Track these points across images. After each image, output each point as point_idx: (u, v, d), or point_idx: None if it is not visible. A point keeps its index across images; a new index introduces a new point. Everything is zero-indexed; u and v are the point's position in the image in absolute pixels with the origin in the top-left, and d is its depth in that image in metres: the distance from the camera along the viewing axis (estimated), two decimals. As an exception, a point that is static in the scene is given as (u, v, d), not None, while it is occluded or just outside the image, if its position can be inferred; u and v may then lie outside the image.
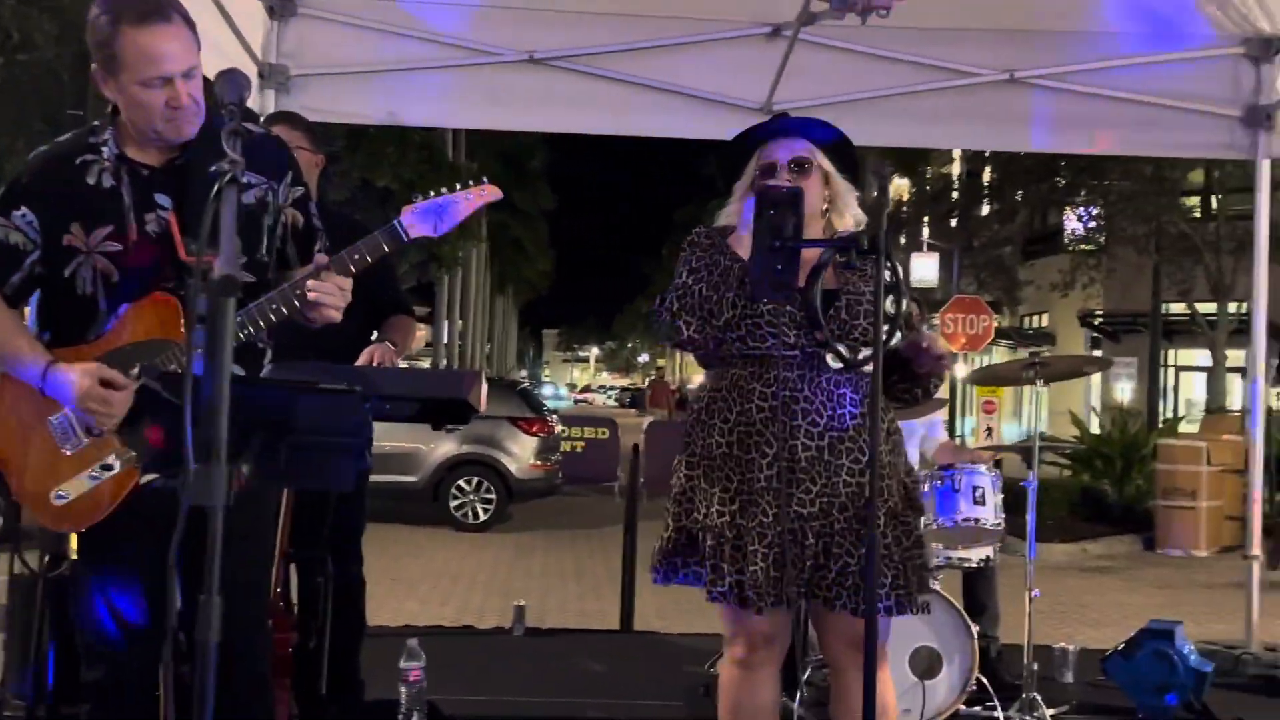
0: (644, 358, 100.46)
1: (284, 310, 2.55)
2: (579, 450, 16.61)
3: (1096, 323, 26.89)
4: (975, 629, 4.45)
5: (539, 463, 13.99)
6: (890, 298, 2.50)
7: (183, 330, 2.62)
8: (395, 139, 19.98)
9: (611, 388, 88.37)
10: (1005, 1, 5.51)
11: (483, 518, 13.58)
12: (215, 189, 1.76)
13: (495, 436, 13.65)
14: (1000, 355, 26.84)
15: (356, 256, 2.57)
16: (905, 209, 25.92)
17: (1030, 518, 4.68)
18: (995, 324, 17.76)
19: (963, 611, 4.49)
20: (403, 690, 3.87)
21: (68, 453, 2.61)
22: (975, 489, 4.50)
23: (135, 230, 2.67)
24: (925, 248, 25.67)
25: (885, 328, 2.46)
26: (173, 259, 2.66)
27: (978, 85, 5.78)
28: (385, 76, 5.71)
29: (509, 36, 5.67)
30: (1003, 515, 4.55)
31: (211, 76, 2.48)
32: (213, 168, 1.87)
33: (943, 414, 5.15)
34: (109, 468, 2.60)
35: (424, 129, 19.60)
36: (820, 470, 3.10)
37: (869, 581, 2.58)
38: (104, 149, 2.70)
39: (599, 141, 5.34)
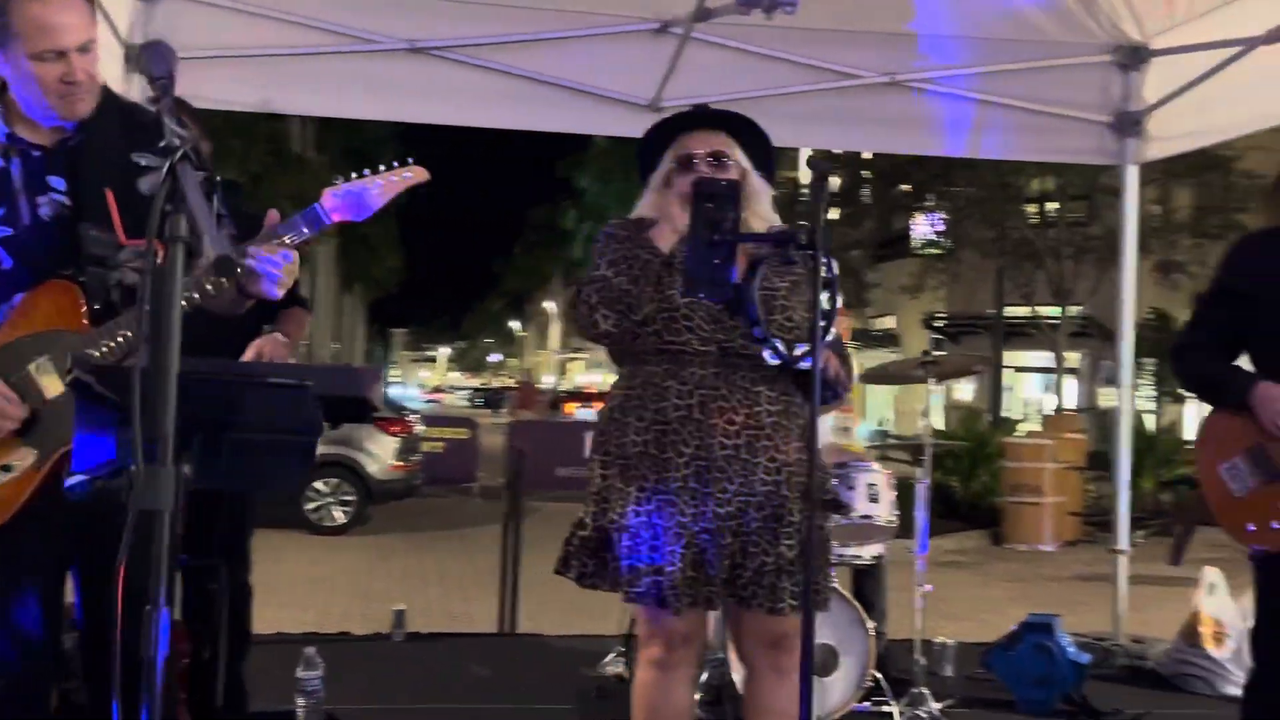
0: (495, 357, 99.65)
1: (197, 296, 2.39)
2: (439, 451, 16.34)
3: (940, 325, 27.69)
4: (871, 625, 4.48)
5: (399, 463, 13.69)
6: (826, 294, 2.47)
7: (84, 320, 2.44)
8: (241, 130, 19.35)
9: (463, 388, 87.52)
10: (887, 4, 5.58)
11: (341, 520, 13.23)
12: (167, 166, 1.61)
13: (354, 437, 13.27)
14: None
15: (276, 242, 2.42)
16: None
17: (922, 515, 4.74)
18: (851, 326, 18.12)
19: (861, 608, 4.51)
20: (300, 701, 3.70)
21: None
22: (870, 486, 4.53)
23: (28, 214, 2.48)
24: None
25: (823, 323, 2.42)
26: (71, 243, 2.47)
27: (860, 87, 5.84)
28: (259, 62, 5.48)
29: (390, 24, 5.50)
30: (897, 513, 4.60)
31: None
32: (161, 144, 1.72)
33: (834, 414, 5.17)
34: (8, 469, 2.40)
35: (270, 121, 19.02)
36: (738, 469, 3.07)
37: (808, 575, 2.55)
38: None
39: (452, 137, 5.20)
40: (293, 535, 12.25)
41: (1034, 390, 28.16)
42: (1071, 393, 22.41)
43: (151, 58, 1.94)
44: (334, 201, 2.49)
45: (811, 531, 2.56)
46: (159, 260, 1.54)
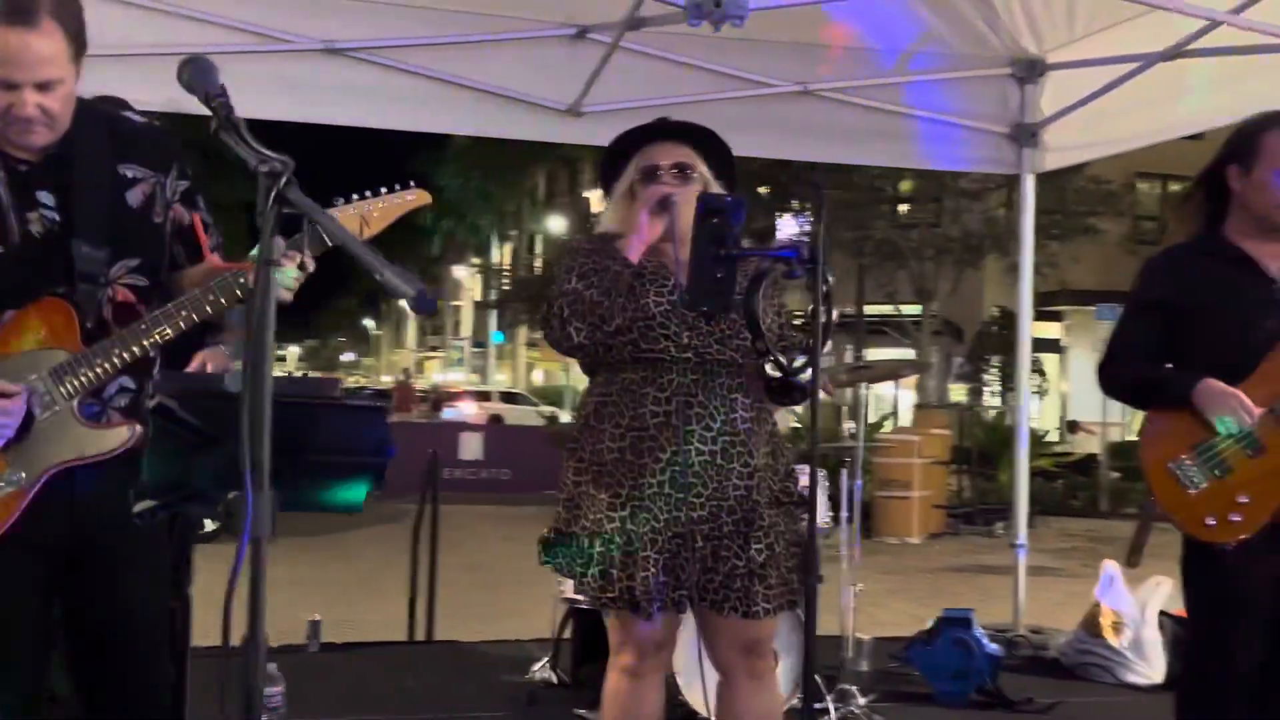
0: (348, 356, 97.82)
1: (209, 310, 2.33)
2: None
3: (798, 324, 28.19)
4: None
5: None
6: (824, 308, 2.54)
7: (78, 339, 2.35)
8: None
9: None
10: (800, 16, 5.69)
11: (210, 528, 12.85)
12: (271, 193, 1.56)
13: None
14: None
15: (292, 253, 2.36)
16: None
17: (855, 514, 4.87)
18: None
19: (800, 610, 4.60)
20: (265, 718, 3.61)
21: None
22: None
23: (17, 230, 2.38)
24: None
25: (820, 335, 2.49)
26: (61, 260, 2.38)
27: (773, 96, 5.95)
28: (168, 61, 5.30)
29: (306, 24, 5.40)
30: (831, 514, 4.70)
31: None
32: (259, 167, 1.67)
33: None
34: None
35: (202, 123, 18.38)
36: (712, 474, 3.12)
37: (809, 571, 2.63)
38: None
39: (301, 134, 5.13)
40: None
41: (888, 388, 28.95)
42: (928, 391, 23.10)
43: (197, 74, 1.88)
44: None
45: (811, 533, 2.63)
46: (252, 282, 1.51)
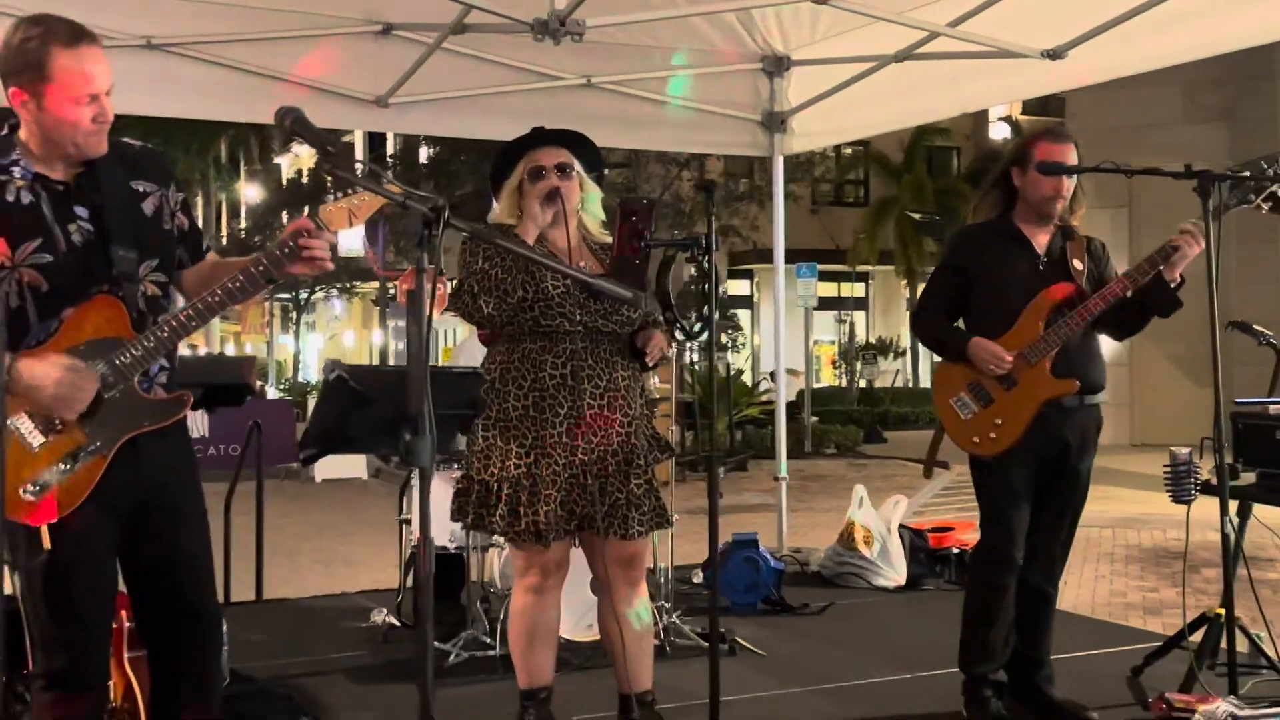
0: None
1: (242, 296, 2.83)
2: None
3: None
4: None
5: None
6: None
7: (130, 328, 2.81)
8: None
9: None
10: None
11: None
12: (434, 225, 2.12)
13: None
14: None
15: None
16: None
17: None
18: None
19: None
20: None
21: (35, 447, 2.70)
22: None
23: (63, 240, 2.80)
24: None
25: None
26: (101, 264, 2.82)
27: (560, 88, 6.59)
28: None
29: (126, 23, 5.62)
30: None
31: None
32: (419, 206, 2.23)
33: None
34: (75, 458, 2.72)
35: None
36: (600, 424, 3.82)
37: (712, 502, 3.35)
38: (15, 169, 2.83)
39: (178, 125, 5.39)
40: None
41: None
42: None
43: (299, 125, 2.41)
44: (329, 215, 2.96)
45: (712, 472, 3.35)
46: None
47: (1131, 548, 10.06)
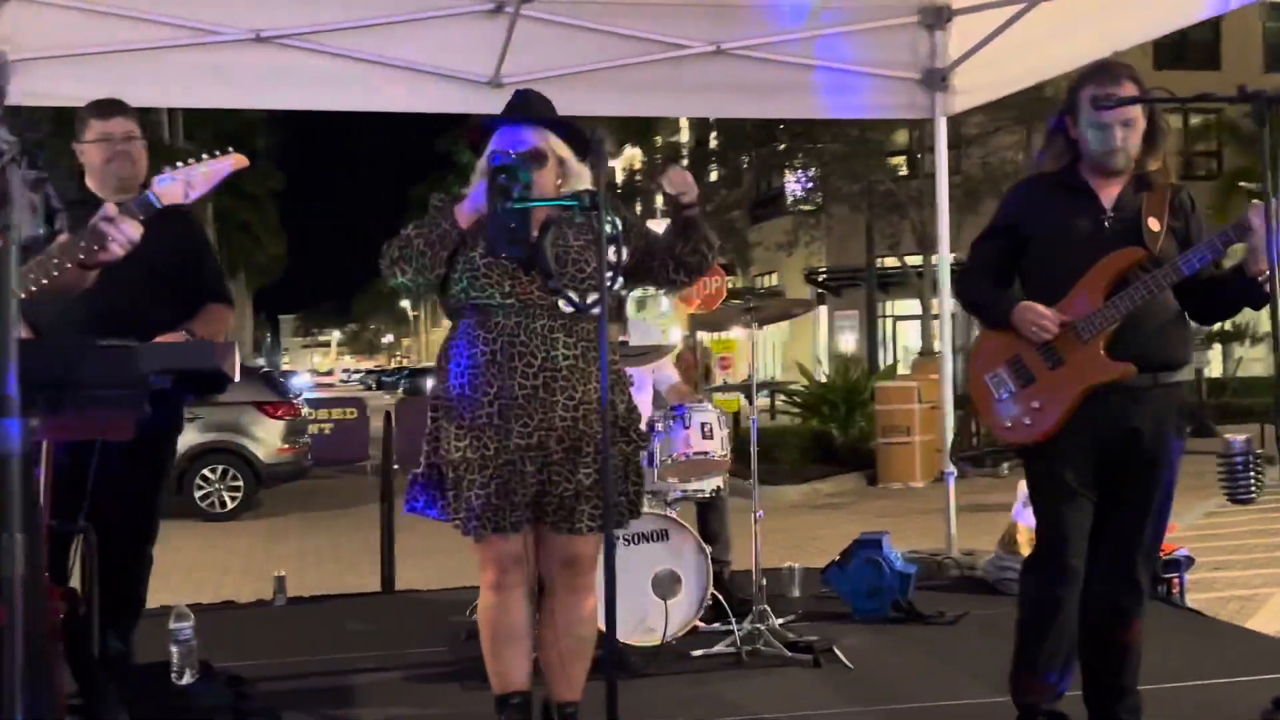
0: (389, 338, 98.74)
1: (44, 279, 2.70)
2: (326, 432, 16.49)
3: (820, 279, 28.44)
4: (709, 549, 4.91)
5: (286, 446, 13.87)
6: (612, 248, 2.84)
7: None
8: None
9: (356, 371, 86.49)
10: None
11: (230, 506, 13.40)
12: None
13: (239, 423, 13.47)
14: (738, 314, 28.09)
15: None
16: (638, 177, 26.68)
17: (753, 449, 5.17)
18: (729, 284, 18.64)
19: (696, 535, 4.93)
20: (174, 650, 3.99)
21: None
22: (704, 425, 4.94)
23: None
24: (659, 214, 26.51)
25: (609, 274, 2.80)
26: None
27: (687, 57, 6.22)
28: (106, 59, 5.69)
29: (234, 16, 5.75)
30: (729, 447, 5.02)
31: None
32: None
33: (671, 360, 5.59)
34: None
35: (141, 111, 18.88)
36: (536, 406, 3.45)
37: (606, 497, 2.94)
38: None
39: (328, 119, 5.51)
40: (183, 523, 12.39)
41: (914, 338, 29.10)
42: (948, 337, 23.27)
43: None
44: (162, 186, 2.80)
45: (604, 458, 2.94)
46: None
47: None
